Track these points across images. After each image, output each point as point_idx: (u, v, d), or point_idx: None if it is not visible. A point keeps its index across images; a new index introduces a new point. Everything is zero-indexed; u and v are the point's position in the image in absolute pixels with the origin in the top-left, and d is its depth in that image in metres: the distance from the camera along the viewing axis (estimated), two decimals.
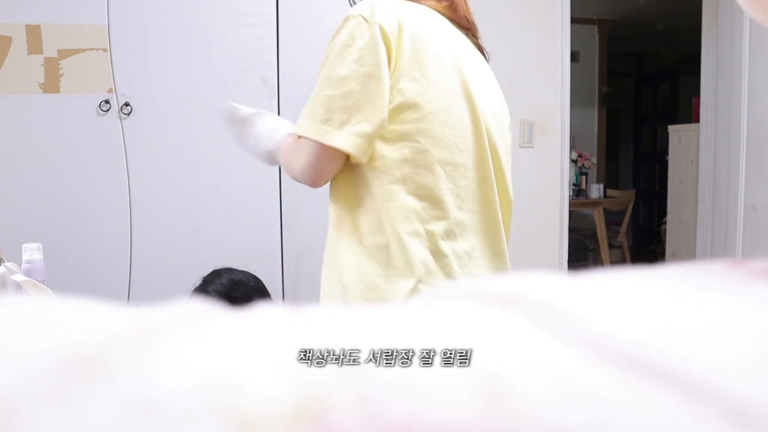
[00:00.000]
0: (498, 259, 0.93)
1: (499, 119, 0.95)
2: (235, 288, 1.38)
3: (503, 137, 0.96)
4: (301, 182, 0.89)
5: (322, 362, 0.11)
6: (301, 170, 0.85)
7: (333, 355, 0.11)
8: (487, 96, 0.93)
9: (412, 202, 0.84)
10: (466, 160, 0.88)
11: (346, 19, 0.84)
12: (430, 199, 0.85)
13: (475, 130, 0.89)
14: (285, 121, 1.00)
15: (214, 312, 0.15)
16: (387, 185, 0.84)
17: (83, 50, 1.96)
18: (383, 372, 0.11)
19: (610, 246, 4.53)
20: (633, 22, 5.21)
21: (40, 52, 1.93)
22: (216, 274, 1.41)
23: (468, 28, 1.01)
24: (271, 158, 0.98)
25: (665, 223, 3.77)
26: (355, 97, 0.81)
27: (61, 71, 1.95)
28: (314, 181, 0.86)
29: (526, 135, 2.69)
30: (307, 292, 2.13)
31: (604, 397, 0.10)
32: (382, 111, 0.82)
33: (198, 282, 1.39)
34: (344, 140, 0.81)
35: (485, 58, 1.02)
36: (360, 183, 0.86)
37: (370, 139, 0.82)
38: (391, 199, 0.84)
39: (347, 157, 0.84)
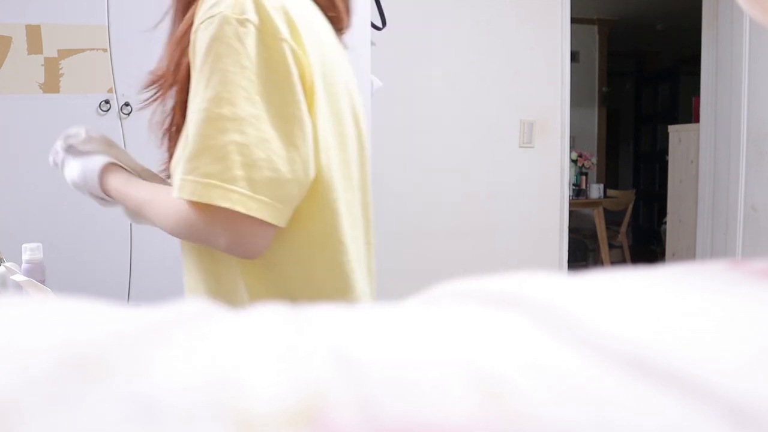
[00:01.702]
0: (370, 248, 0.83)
1: (362, 114, 0.81)
2: None
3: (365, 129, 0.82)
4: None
5: (322, 362, 0.11)
6: (228, 247, 0.63)
7: (333, 354, 0.11)
8: (356, 92, 0.79)
9: (325, 252, 0.70)
10: (356, 184, 0.76)
11: (226, 22, 0.59)
12: (337, 242, 0.71)
13: (359, 147, 0.77)
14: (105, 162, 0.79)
15: (214, 312, 0.15)
16: (305, 239, 0.68)
17: (83, 50, 1.96)
18: (383, 372, 0.11)
19: (610, 246, 4.53)
20: (633, 22, 5.22)
21: (40, 52, 1.93)
22: None
23: (336, 17, 0.77)
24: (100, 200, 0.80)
25: (665, 223, 3.77)
26: (275, 149, 0.60)
27: (61, 71, 1.95)
28: (252, 256, 0.65)
29: (526, 135, 2.69)
30: None
31: (604, 397, 0.10)
32: (310, 165, 0.64)
33: None
34: (273, 212, 0.61)
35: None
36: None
37: (297, 202, 0.64)
38: (313, 255, 0.69)
39: None
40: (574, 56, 4.25)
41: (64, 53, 1.95)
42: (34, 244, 1.17)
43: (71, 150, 0.83)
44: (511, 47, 2.63)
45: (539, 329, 0.12)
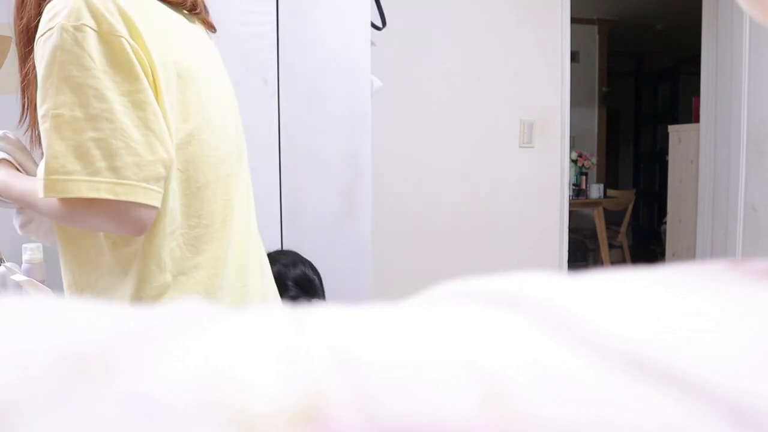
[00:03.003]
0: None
1: (233, 108, 0.88)
2: (293, 270, 1.42)
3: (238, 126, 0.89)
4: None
5: (322, 362, 0.11)
6: (114, 229, 0.69)
7: (332, 354, 0.11)
8: (224, 89, 0.85)
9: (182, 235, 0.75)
10: (233, 168, 0.83)
11: (65, 30, 0.63)
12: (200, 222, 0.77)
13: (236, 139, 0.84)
14: None
15: (214, 312, 0.15)
16: (163, 227, 0.72)
17: None
18: (383, 372, 0.11)
19: (610, 246, 4.53)
20: (633, 22, 5.22)
21: None
22: (287, 259, 1.45)
23: (193, 8, 0.82)
24: None
25: (665, 223, 3.77)
26: (132, 136, 0.65)
27: None
28: (140, 233, 0.70)
29: (526, 135, 2.69)
30: None
31: (603, 397, 0.10)
32: (169, 145, 0.69)
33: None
34: (142, 192, 0.66)
35: (211, 29, 0.90)
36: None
37: (164, 181, 0.70)
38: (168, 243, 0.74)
39: None
40: (574, 56, 4.25)
41: None
42: (34, 244, 1.17)
43: None
44: (511, 47, 2.63)
45: (539, 329, 0.12)
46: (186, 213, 0.76)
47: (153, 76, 0.68)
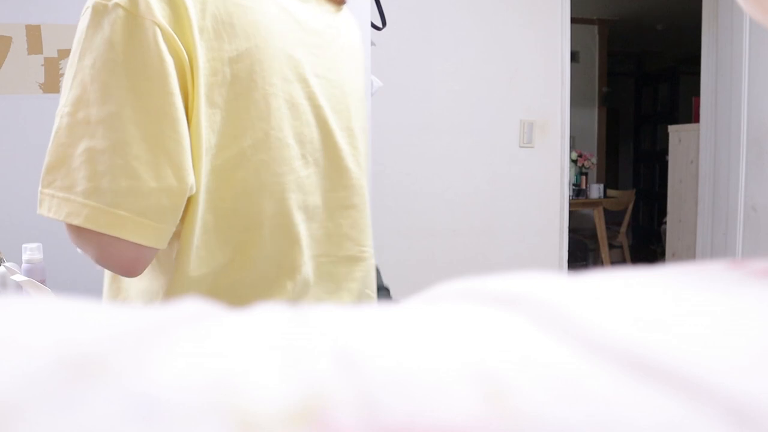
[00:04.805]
0: None
1: (349, 104, 0.73)
2: None
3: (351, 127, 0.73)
4: None
5: (323, 362, 0.11)
6: (100, 264, 0.57)
7: (333, 354, 0.11)
8: (333, 79, 0.70)
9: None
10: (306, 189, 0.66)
11: (96, 10, 0.53)
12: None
13: (323, 144, 0.67)
14: None
15: (215, 312, 0.15)
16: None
17: None
18: (383, 371, 0.11)
19: (610, 246, 4.53)
20: (633, 22, 5.22)
21: (40, 52, 1.93)
22: None
23: None
24: None
25: (665, 223, 3.77)
26: (136, 152, 0.52)
27: (61, 71, 1.95)
28: (128, 275, 0.57)
29: (526, 135, 2.69)
30: None
31: (603, 397, 0.10)
32: (187, 170, 0.54)
33: None
34: (136, 228, 0.52)
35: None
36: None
37: (175, 216, 0.55)
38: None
39: None
40: (574, 56, 4.25)
41: (64, 53, 1.95)
42: (34, 244, 1.17)
43: None
44: (511, 47, 2.63)
45: (539, 329, 0.12)
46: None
47: (192, 77, 0.55)
